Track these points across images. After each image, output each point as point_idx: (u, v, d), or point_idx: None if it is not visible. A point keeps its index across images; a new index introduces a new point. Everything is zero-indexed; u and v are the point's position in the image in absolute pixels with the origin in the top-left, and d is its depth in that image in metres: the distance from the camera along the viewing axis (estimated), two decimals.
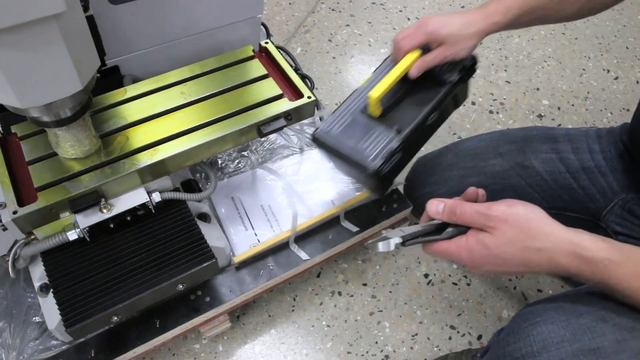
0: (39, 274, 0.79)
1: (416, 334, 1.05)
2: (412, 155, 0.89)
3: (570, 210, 0.94)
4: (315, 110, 1.02)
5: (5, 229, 0.71)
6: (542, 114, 1.46)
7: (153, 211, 0.78)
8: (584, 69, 1.61)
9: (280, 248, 0.96)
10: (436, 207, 0.66)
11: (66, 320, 0.70)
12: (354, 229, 0.99)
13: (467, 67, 0.85)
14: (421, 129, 0.83)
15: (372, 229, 1.00)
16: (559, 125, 1.43)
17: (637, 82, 1.58)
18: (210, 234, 0.84)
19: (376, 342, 1.03)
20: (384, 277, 1.12)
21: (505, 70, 1.59)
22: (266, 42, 0.93)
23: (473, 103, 1.47)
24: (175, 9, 0.88)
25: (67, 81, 0.60)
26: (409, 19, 1.71)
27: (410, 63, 0.81)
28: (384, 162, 0.77)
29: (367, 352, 1.02)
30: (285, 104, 0.84)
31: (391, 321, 1.06)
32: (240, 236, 0.95)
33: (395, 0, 1.77)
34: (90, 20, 0.73)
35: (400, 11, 1.74)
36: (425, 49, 0.82)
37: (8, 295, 0.87)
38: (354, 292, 1.10)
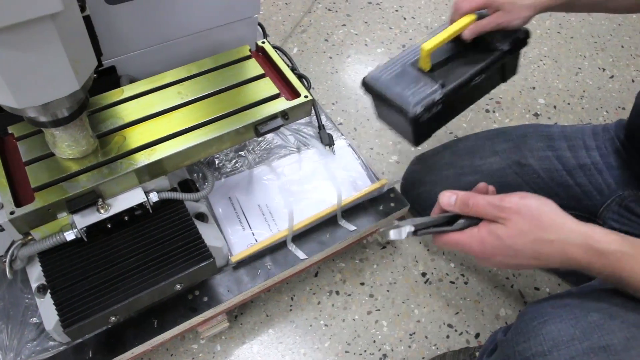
0: (36, 274, 0.79)
1: (414, 333, 1.05)
2: (451, 115, 0.96)
3: (567, 207, 0.93)
4: (312, 110, 1.02)
5: (2, 230, 0.70)
6: (538, 113, 1.46)
7: (150, 211, 0.78)
8: (579, 68, 1.62)
9: (277, 247, 0.96)
10: (448, 199, 0.66)
11: (64, 320, 0.69)
12: (351, 228, 0.99)
13: (519, 39, 0.89)
14: (465, 89, 0.87)
15: (370, 228, 1.01)
16: (555, 124, 1.44)
17: (633, 80, 1.59)
18: (207, 233, 0.84)
19: (374, 341, 1.04)
20: (382, 276, 1.12)
21: None
22: (263, 42, 0.93)
23: None
24: (171, 9, 0.88)
25: (64, 81, 0.60)
26: (405, 18, 1.71)
27: (464, 25, 0.86)
28: (424, 110, 0.83)
29: (365, 351, 1.02)
30: (282, 104, 0.84)
31: (389, 320, 1.06)
32: (237, 236, 0.95)
33: (391, 0, 1.78)
34: (87, 21, 0.73)
35: (397, 11, 1.74)
36: (481, 16, 0.86)
37: (5, 297, 0.87)
38: (351, 291, 1.10)
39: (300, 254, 0.95)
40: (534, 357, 0.62)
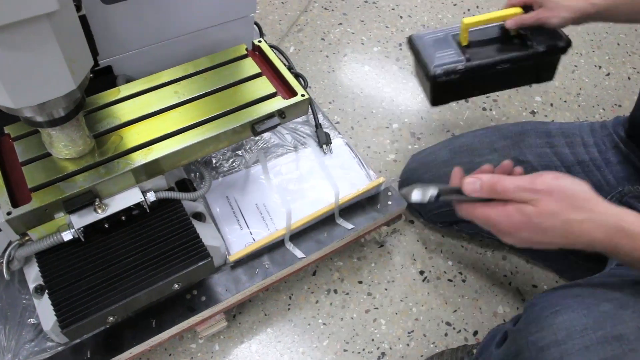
0: (33, 275, 0.79)
1: (412, 331, 1.05)
2: (472, 91, 1.08)
3: None
4: (309, 109, 1.02)
5: None
6: (535, 111, 1.47)
7: (148, 211, 0.78)
8: (575, 66, 1.62)
9: (275, 246, 0.96)
10: (472, 185, 0.64)
11: (62, 321, 0.69)
12: (349, 226, 0.99)
13: (557, 45, 0.97)
14: (488, 71, 0.97)
15: (367, 227, 1.01)
16: (552, 121, 1.44)
17: (629, 78, 1.59)
18: (205, 233, 0.84)
19: (372, 340, 1.04)
20: (380, 274, 1.12)
21: None
22: (259, 41, 0.93)
23: (466, 100, 1.47)
24: (167, 8, 0.88)
25: (60, 81, 0.60)
26: (401, 17, 1.71)
27: (509, 14, 0.96)
28: (443, 74, 0.95)
29: (364, 349, 1.02)
30: (279, 102, 0.84)
31: (387, 318, 1.06)
32: (235, 235, 0.95)
33: None
34: (83, 20, 0.72)
35: (393, 9, 1.74)
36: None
37: (2, 297, 0.87)
38: (349, 289, 1.10)
39: (298, 253, 0.95)
40: (548, 346, 0.61)
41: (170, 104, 0.83)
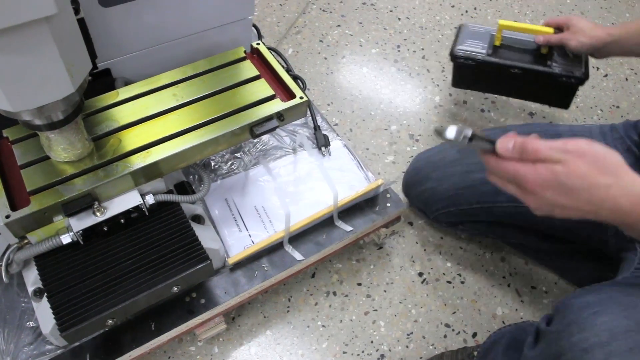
0: (32, 278, 0.79)
1: (411, 333, 1.05)
2: (488, 86, 1.29)
3: None
4: (308, 111, 1.02)
5: None
6: (533, 112, 1.47)
7: (147, 213, 0.78)
8: None
9: (274, 249, 0.96)
10: (506, 144, 0.63)
11: (61, 324, 0.69)
12: (348, 228, 0.99)
13: (571, 74, 1.10)
14: (502, 72, 1.16)
15: (366, 229, 1.01)
16: (550, 122, 1.44)
17: (627, 79, 1.59)
18: (204, 235, 0.84)
19: (372, 342, 1.04)
20: (379, 276, 1.12)
21: None
22: (257, 43, 0.93)
23: (464, 102, 1.47)
24: (166, 11, 0.88)
25: (59, 84, 0.60)
26: (399, 19, 1.72)
27: (540, 30, 1.12)
28: (463, 57, 1.18)
29: (363, 351, 1.02)
30: (278, 105, 0.84)
31: (386, 320, 1.06)
32: (234, 237, 0.95)
33: (385, 0, 1.78)
34: (81, 23, 0.73)
35: (391, 11, 1.74)
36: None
37: (1, 301, 0.86)
38: (348, 291, 1.10)
39: (297, 255, 0.95)
40: (592, 348, 0.60)
41: (168, 107, 0.83)
